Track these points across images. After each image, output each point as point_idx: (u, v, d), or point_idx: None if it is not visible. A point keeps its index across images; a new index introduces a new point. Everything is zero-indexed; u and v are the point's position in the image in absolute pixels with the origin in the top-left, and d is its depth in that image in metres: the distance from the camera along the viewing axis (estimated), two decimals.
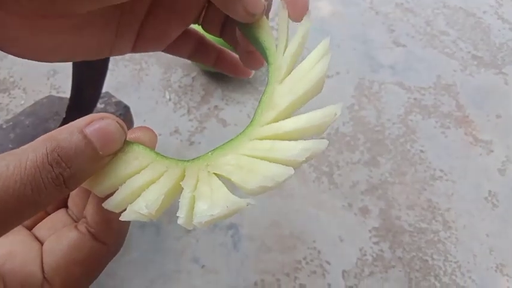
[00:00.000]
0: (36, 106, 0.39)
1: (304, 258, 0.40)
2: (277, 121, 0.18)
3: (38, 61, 0.21)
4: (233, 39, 0.26)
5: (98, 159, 0.16)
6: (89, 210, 0.19)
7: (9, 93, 0.47)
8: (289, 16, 0.21)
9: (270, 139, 0.18)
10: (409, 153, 0.48)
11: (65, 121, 0.36)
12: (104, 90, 0.37)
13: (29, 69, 0.49)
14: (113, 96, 0.40)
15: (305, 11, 0.20)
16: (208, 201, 0.16)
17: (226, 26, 0.26)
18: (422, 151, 0.48)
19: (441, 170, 0.47)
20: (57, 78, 0.48)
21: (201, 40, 0.28)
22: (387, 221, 0.43)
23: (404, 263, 0.41)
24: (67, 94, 0.35)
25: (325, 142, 0.17)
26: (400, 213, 0.44)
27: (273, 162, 0.17)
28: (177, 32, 0.25)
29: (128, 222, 0.19)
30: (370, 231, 0.42)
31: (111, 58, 0.34)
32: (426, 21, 0.60)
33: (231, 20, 0.24)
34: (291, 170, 0.16)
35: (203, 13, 0.25)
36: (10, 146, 0.36)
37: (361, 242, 0.42)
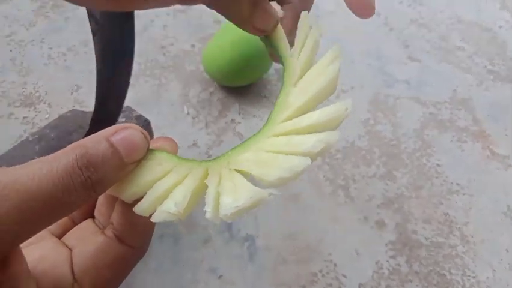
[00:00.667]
0: (61, 120, 0.41)
1: (320, 271, 0.40)
2: (292, 119, 0.19)
3: (82, 5, 0.22)
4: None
5: (123, 166, 0.17)
6: (116, 216, 0.20)
7: (35, 108, 0.48)
8: (355, 13, 0.21)
9: (285, 135, 0.18)
10: (425, 167, 0.48)
11: (88, 134, 0.37)
12: (125, 104, 0.38)
13: (53, 84, 0.50)
14: (134, 111, 0.42)
15: (371, 9, 0.21)
16: (232, 194, 0.17)
17: None
18: (438, 165, 0.48)
19: (458, 184, 0.47)
20: (80, 93, 0.50)
21: None
22: (404, 235, 0.43)
23: (421, 277, 0.41)
24: (90, 108, 0.37)
25: (337, 133, 0.18)
26: (417, 227, 0.44)
27: (290, 155, 0.17)
28: None
29: (152, 226, 0.20)
30: (386, 244, 0.42)
31: (132, 74, 0.35)
32: (441, 36, 0.61)
33: None
34: (308, 160, 0.17)
35: None
36: (35, 157, 0.38)
37: (377, 256, 0.42)
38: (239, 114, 0.50)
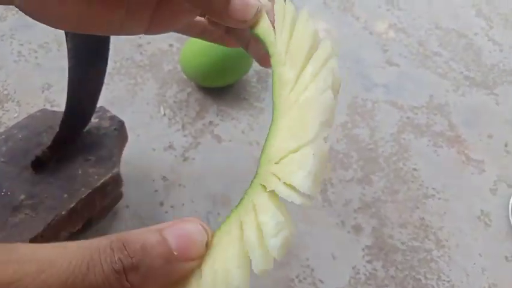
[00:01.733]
0: (30, 119, 0.39)
1: (297, 276, 0.40)
2: (298, 79, 0.19)
3: (48, 25, 0.22)
4: (236, 35, 0.26)
5: (172, 261, 0.15)
6: None
7: (3, 106, 0.46)
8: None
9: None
10: (402, 171, 0.48)
11: (58, 135, 0.36)
12: (98, 104, 0.37)
13: (23, 82, 0.49)
14: (107, 111, 0.40)
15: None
16: (273, 229, 0.16)
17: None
18: (415, 169, 0.48)
19: (434, 189, 0.47)
20: (52, 92, 0.48)
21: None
22: (380, 240, 0.43)
23: (397, 282, 0.41)
24: (62, 108, 0.35)
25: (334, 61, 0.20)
26: (393, 231, 0.44)
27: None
28: (186, 20, 0.25)
29: None
30: (363, 249, 0.42)
31: (106, 73, 0.34)
32: (419, 41, 0.61)
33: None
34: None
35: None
36: (2, 159, 0.36)
37: (354, 261, 0.41)
38: (217, 115, 0.49)
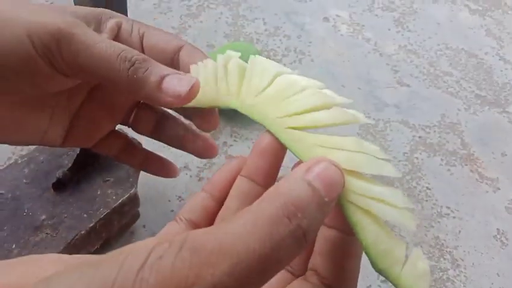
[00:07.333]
0: None
1: None
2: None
3: None
4: (166, 138, 0.27)
5: (325, 206, 0.15)
6: (323, 262, 0.18)
7: None
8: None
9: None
10: (415, 191, 0.48)
11: (78, 157, 0.37)
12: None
13: None
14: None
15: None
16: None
17: (158, 127, 0.27)
18: (428, 188, 0.48)
19: (448, 207, 0.47)
20: None
21: (129, 142, 0.29)
22: None
23: None
24: None
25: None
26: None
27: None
28: (107, 129, 0.26)
29: (358, 270, 0.19)
30: None
31: None
32: (430, 62, 0.62)
33: (162, 120, 0.26)
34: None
35: (133, 114, 0.27)
36: (24, 181, 0.38)
37: (369, 281, 0.41)
38: (231, 136, 0.50)
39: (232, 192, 0.20)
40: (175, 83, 0.20)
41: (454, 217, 0.46)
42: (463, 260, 0.43)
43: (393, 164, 0.50)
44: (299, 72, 0.20)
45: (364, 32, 0.64)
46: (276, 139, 0.19)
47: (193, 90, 0.20)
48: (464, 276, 0.42)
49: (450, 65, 0.62)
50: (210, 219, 0.20)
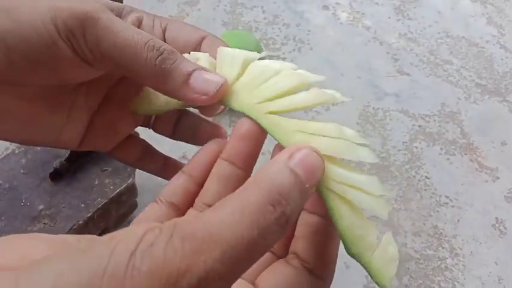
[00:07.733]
0: None
1: None
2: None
3: None
4: (186, 137, 0.27)
5: (305, 192, 0.16)
6: (304, 246, 0.19)
7: None
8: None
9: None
10: (414, 180, 0.48)
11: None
12: None
13: None
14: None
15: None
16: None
17: (178, 127, 0.27)
18: (427, 177, 0.48)
19: (447, 197, 0.47)
20: None
21: (147, 148, 0.28)
22: None
23: None
24: None
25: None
26: (406, 240, 0.44)
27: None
28: (127, 130, 0.25)
29: (336, 254, 0.19)
30: None
31: None
32: (430, 50, 0.62)
33: (183, 120, 0.25)
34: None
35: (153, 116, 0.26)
36: (22, 171, 0.37)
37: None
38: (229, 126, 0.50)
39: (212, 174, 0.20)
40: (203, 80, 0.19)
41: (452, 206, 0.46)
42: (461, 249, 0.43)
43: (393, 153, 0.50)
44: (268, 55, 0.20)
45: (364, 20, 0.64)
46: (257, 124, 0.19)
47: (221, 90, 0.19)
48: (463, 265, 0.42)
49: (450, 54, 0.61)
50: (189, 200, 0.20)
